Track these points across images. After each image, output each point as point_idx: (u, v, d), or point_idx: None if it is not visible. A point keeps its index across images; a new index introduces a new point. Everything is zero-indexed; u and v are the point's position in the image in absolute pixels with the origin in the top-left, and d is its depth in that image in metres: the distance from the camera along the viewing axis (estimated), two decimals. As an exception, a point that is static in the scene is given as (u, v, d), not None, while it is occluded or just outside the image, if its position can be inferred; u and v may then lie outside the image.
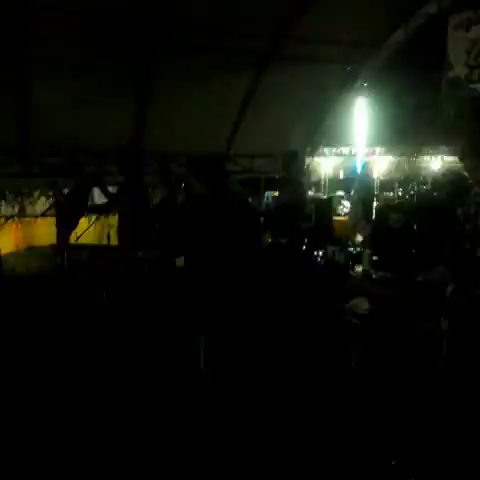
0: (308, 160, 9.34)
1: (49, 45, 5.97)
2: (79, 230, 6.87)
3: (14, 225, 9.01)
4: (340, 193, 13.11)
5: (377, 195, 7.20)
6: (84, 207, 6.60)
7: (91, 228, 6.79)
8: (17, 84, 6.25)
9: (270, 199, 12.09)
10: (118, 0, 5.82)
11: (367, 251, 5.76)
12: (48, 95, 6.49)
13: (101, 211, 6.95)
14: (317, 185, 13.53)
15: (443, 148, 11.30)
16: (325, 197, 10.84)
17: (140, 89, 7.05)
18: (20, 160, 7.06)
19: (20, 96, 6.41)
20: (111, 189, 5.92)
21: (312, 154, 9.36)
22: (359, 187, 6.96)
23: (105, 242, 7.87)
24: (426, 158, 12.05)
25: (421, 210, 5.47)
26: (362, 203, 6.72)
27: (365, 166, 7.86)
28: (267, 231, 6.95)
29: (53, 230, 7.23)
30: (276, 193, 9.45)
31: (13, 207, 10.77)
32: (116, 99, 6.92)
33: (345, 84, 7.77)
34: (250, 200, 15.85)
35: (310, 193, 10.22)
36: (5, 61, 5.96)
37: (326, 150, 11.22)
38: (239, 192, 4.49)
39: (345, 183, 12.71)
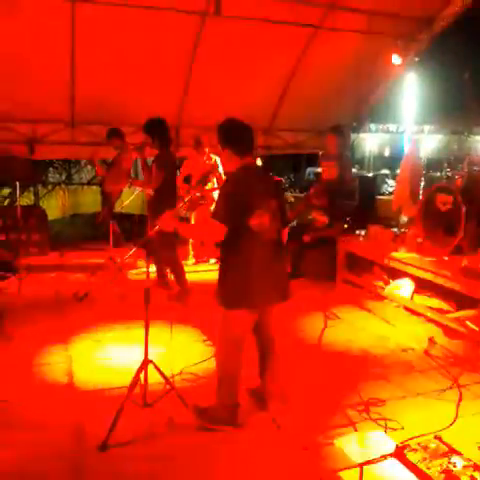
0: (353, 136, 9.14)
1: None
2: (124, 199, 6.97)
3: (61, 192, 9.23)
4: (385, 171, 12.83)
5: (424, 175, 7.01)
6: (127, 177, 6.66)
7: (135, 198, 6.86)
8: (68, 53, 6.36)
9: (312, 175, 11.96)
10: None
11: (412, 232, 5.66)
12: (96, 66, 6.57)
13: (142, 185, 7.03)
14: (361, 162, 13.27)
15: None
16: (370, 175, 10.64)
17: (185, 62, 7.02)
18: (68, 127, 7.23)
19: (71, 65, 6.52)
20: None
21: (358, 130, 9.16)
22: (406, 166, 6.78)
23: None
24: (478, 137, 11.60)
25: (471, 191, 5.27)
26: (409, 182, 6.56)
27: (413, 144, 7.63)
28: (308, 209, 6.90)
29: (98, 198, 7.36)
30: (319, 169, 9.32)
31: (60, 174, 11.04)
32: (160, 72, 6.93)
33: (396, 58, 7.50)
34: (291, 176, 15.76)
35: (354, 170, 10.04)
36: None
37: (372, 126, 10.93)
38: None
39: (391, 161, 12.43)
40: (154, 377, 3.28)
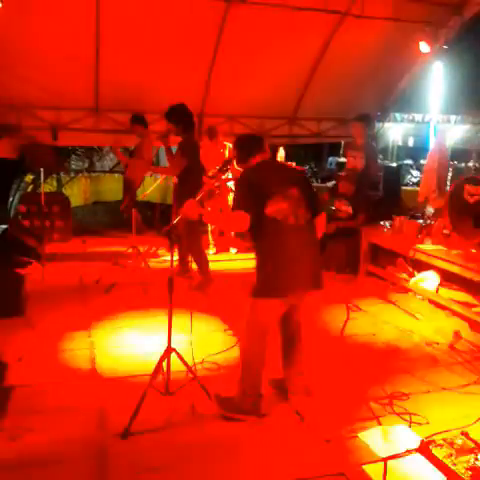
0: (378, 125, 8.99)
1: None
2: (146, 187, 6.97)
3: (83, 179, 9.29)
4: (408, 161, 12.64)
5: (451, 165, 6.86)
6: (149, 164, 6.63)
7: (157, 186, 6.86)
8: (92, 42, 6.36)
9: (334, 165, 11.81)
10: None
11: (439, 224, 5.56)
12: (121, 54, 6.56)
13: (164, 171, 7.01)
14: (385, 152, 13.05)
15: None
16: (394, 165, 10.47)
17: (209, 49, 6.95)
18: (92, 114, 7.24)
19: (95, 52, 6.52)
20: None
21: (383, 119, 9.00)
22: (433, 156, 6.66)
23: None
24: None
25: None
26: (436, 173, 6.44)
27: (439, 134, 7.48)
28: (332, 199, 6.82)
29: (120, 186, 7.38)
30: (341, 159, 9.20)
31: (83, 162, 11.09)
32: (184, 60, 6.88)
33: (424, 46, 7.33)
34: (312, 165, 15.63)
35: (378, 160, 9.88)
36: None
37: (397, 115, 10.70)
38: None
39: (414, 151, 12.24)
40: (176, 365, 3.28)
